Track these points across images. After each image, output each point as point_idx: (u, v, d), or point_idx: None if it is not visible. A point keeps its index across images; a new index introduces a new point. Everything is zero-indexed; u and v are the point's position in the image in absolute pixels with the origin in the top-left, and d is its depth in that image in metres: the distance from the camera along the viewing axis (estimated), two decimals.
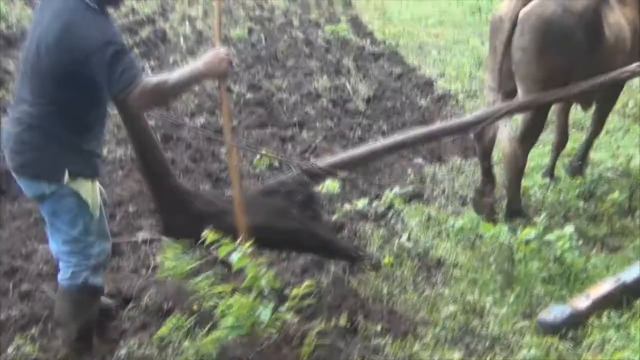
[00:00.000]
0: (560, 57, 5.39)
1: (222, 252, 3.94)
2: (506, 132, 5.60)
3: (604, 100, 6.63)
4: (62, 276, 3.97)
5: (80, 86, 3.66)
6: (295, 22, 15.64)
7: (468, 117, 5.84)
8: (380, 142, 5.58)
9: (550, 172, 7.13)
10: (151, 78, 3.73)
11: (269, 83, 10.54)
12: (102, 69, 3.54)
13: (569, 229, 5.06)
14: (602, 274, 5.15)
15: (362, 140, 8.26)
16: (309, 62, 11.93)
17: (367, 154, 5.34)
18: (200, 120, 8.55)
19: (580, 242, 5.37)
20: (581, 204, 6.50)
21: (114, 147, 7.48)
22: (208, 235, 3.89)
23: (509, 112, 5.57)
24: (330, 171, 5.02)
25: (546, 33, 5.31)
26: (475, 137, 6.12)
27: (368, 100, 9.87)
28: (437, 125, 6.05)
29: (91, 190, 3.88)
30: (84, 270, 3.93)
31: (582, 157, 7.06)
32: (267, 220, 4.51)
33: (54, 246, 4.02)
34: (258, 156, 7.07)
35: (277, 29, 14.73)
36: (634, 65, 5.50)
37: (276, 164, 7.08)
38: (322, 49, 12.92)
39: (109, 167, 7.01)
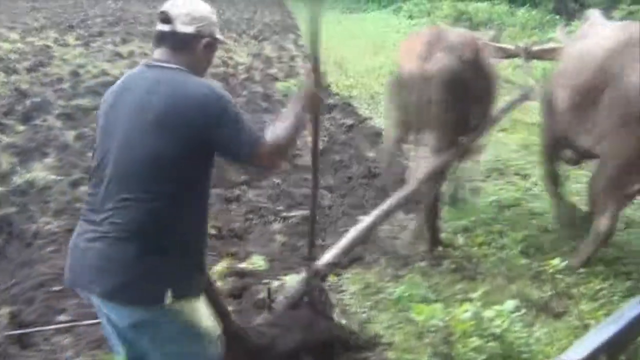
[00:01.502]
0: (464, 104, 5.32)
1: None
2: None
3: None
4: None
5: (193, 169, 2.85)
6: (257, 77, 14.80)
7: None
8: (363, 224, 5.16)
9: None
10: (266, 134, 2.97)
11: None
12: (226, 136, 2.81)
13: (509, 304, 4.18)
14: (546, 351, 4.28)
15: (307, 198, 7.38)
16: (265, 116, 11.05)
17: (356, 240, 5.05)
18: None
19: (523, 311, 4.56)
20: (524, 261, 5.65)
21: (49, 219, 6.53)
22: None
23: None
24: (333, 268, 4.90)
25: (450, 85, 5.14)
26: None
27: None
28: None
29: (202, 311, 2.98)
30: None
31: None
32: (305, 336, 4.04)
33: None
34: None
35: (238, 84, 13.87)
36: None
37: (212, 231, 6.16)
38: (279, 103, 12.06)
39: (39, 242, 6.08)
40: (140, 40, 20.08)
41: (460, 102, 5.23)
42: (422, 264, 5.73)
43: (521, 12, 21.55)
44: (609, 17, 15.98)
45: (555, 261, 5.14)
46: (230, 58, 17.17)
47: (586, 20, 6.19)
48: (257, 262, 5.38)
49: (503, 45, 6.78)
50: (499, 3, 23.97)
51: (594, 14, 6.25)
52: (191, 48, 3.01)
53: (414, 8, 28.12)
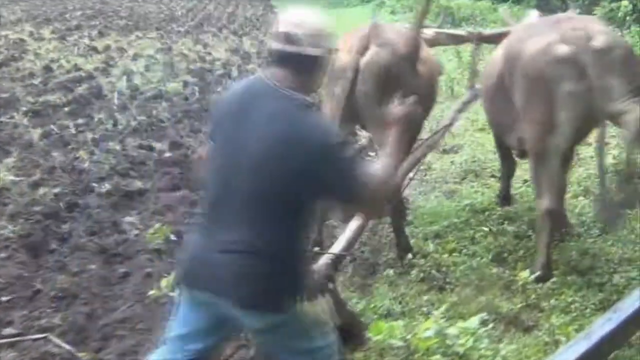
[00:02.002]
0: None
1: None
2: None
3: None
4: None
5: (314, 198, 2.97)
6: (234, 73, 14.51)
7: None
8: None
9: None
10: (374, 172, 2.96)
11: (193, 139, 9.37)
12: (337, 173, 2.84)
13: (474, 321, 3.96)
14: None
15: None
16: None
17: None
18: (106, 186, 7.32)
19: (491, 325, 4.35)
20: (495, 270, 5.43)
21: (4, 223, 6.25)
22: None
23: None
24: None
25: (381, 78, 5.14)
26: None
27: None
28: None
29: (321, 306, 3.18)
30: None
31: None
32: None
33: None
34: (151, 230, 5.89)
35: (214, 81, 13.58)
36: None
37: (173, 237, 5.89)
38: None
39: None
40: (117, 34, 19.74)
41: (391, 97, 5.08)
42: (390, 272, 5.50)
43: (504, 9, 21.30)
44: (592, 13, 15.85)
45: (526, 273, 4.95)
46: (208, 53, 16.85)
47: (524, 20, 6.47)
48: None
49: (455, 32, 6.86)
50: None
51: (532, 15, 6.59)
52: (315, 69, 2.98)
53: (396, 4, 27.86)
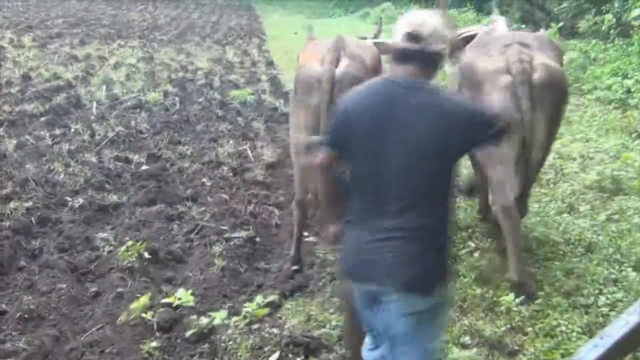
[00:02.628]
0: None
1: None
2: None
3: None
4: None
5: (454, 177, 3.22)
6: (216, 83, 14.30)
7: None
8: None
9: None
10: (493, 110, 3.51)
11: (172, 151, 9.16)
12: (482, 137, 3.23)
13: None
14: None
15: (254, 216, 6.96)
16: (219, 125, 10.59)
17: None
18: (80, 200, 7.10)
19: (474, 350, 4.19)
20: (479, 290, 5.27)
21: None
22: None
23: None
24: None
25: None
26: (297, 205, 5.69)
27: (270, 167, 8.58)
28: None
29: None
30: None
31: None
32: None
33: None
34: (124, 248, 5.68)
35: (196, 90, 13.36)
36: None
37: (147, 254, 5.70)
38: (235, 111, 11.59)
39: None
40: (99, 42, 19.47)
41: None
42: None
43: (487, 21, 21.28)
44: (576, 27, 15.81)
45: (510, 296, 4.79)
46: (191, 63, 16.63)
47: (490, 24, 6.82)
48: (183, 297, 4.89)
49: (388, 41, 6.51)
50: (466, 10, 23.76)
51: (500, 20, 6.82)
52: (437, 64, 3.23)
53: (381, 14, 27.83)
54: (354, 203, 3.27)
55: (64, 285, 5.33)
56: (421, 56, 3.15)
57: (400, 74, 3.17)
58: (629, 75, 12.13)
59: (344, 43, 5.51)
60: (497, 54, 5.39)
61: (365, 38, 6.93)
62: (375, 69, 5.54)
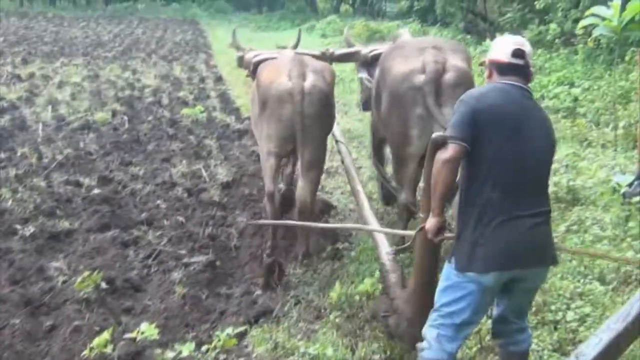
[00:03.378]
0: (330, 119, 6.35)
1: None
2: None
3: None
4: (525, 342, 4.01)
5: None
6: (165, 101, 14.05)
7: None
8: None
9: None
10: None
11: (123, 172, 8.92)
12: None
13: None
14: None
15: (212, 239, 6.77)
16: (170, 144, 10.38)
17: None
18: (31, 228, 6.82)
19: None
20: None
21: None
22: None
23: None
24: None
25: (324, 101, 6.01)
26: (269, 198, 6.06)
27: (226, 186, 8.39)
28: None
29: None
30: None
31: None
32: None
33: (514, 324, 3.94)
34: (80, 279, 5.43)
35: (144, 109, 13.10)
36: None
37: (104, 284, 5.47)
38: (186, 130, 11.37)
39: None
40: (42, 60, 19.04)
41: (328, 117, 6.20)
42: (337, 315, 5.19)
43: (433, 32, 21.46)
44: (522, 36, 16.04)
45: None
46: (138, 80, 16.35)
47: (396, 37, 7.51)
48: (147, 331, 4.68)
49: (311, 52, 7.41)
50: (411, 22, 23.92)
51: (404, 33, 7.64)
52: (531, 75, 3.83)
53: (327, 27, 27.88)
54: (488, 195, 3.56)
55: (18, 320, 5.06)
56: (524, 69, 3.75)
57: (520, 83, 3.73)
58: (575, 84, 12.31)
59: (305, 58, 6.14)
60: (413, 56, 5.86)
61: (285, 47, 7.57)
62: (332, 82, 6.24)
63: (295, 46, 7.48)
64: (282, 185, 7.17)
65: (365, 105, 7.49)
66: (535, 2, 15.86)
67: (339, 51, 7.69)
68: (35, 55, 20.05)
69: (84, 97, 13.91)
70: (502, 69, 3.73)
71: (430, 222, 3.69)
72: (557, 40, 15.05)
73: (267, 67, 6.27)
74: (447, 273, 3.69)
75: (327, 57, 7.32)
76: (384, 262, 5.00)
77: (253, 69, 6.85)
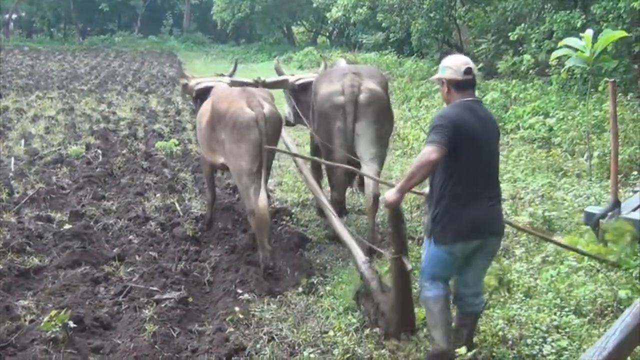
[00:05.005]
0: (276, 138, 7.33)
1: None
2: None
3: None
4: (479, 306, 4.93)
5: None
6: (140, 134, 13.95)
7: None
8: None
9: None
10: None
11: (96, 207, 8.79)
12: None
13: None
14: None
15: (185, 275, 6.66)
16: (145, 177, 10.27)
17: None
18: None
19: None
20: (422, 355, 5.08)
21: None
22: None
23: None
24: None
25: (278, 126, 7.17)
26: (251, 215, 6.76)
27: (199, 221, 8.28)
28: None
29: None
30: None
31: None
32: None
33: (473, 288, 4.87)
34: (47, 318, 5.29)
35: (119, 142, 13.00)
36: None
37: (71, 324, 5.32)
38: (160, 163, 11.27)
39: None
40: (16, 94, 18.88)
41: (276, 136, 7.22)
42: (311, 351, 5.10)
43: (409, 63, 21.59)
44: (495, 67, 16.15)
45: (462, 349, 4.61)
46: (113, 113, 16.25)
47: (333, 64, 9.07)
48: None
49: (244, 80, 8.66)
50: (387, 53, 24.06)
51: (341, 61, 9.06)
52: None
53: (304, 58, 27.99)
54: (458, 186, 4.54)
55: None
56: (473, 83, 4.73)
57: (471, 97, 4.69)
58: (550, 114, 12.39)
59: (257, 90, 7.41)
60: (336, 80, 7.16)
61: (222, 75, 8.65)
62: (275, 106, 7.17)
63: (232, 74, 8.72)
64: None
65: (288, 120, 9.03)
66: (509, 34, 16.05)
67: (270, 79, 8.88)
68: (9, 89, 19.88)
69: (58, 131, 13.78)
70: (458, 85, 4.65)
71: (394, 196, 4.63)
72: (531, 71, 15.16)
73: (223, 99, 7.12)
74: (427, 247, 4.74)
75: (260, 84, 8.43)
76: (362, 270, 5.65)
77: (195, 96, 8.26)
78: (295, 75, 8.86)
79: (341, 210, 7.38)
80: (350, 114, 6.91)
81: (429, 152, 4.41)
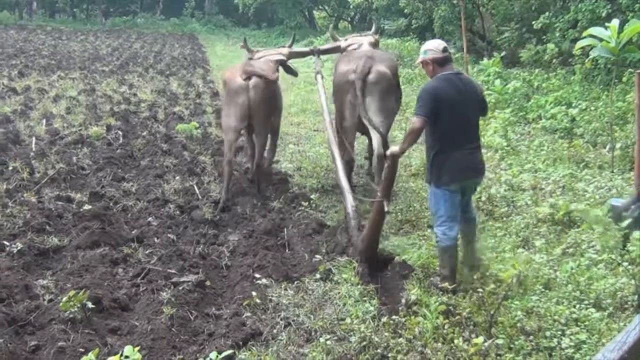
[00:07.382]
0: (272, 104, 9.02)
1: None
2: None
3: None
4: (472, 213, 6.41)
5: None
6: (161, 116, 13.97)
7: None
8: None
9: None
10: None
11: (116, 188, 8.82)
12: (485, 100, 6.45)
13: None
14: None
15: (203, 258, 6.67)
16: (164, 160, 10.28)
17: None
18: (19, 245, 6.70)
19: None
20: (439, 345, 5.02)
21: None
22: None
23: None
24: None
25: (265, 91, 8.65)
26: (227, 164, 8.49)
27: (218, 204, 8.27)
28: None
29: None
30: None
31: None
32: None
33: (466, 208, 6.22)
34: (65, 298, 5.30)
35: (139, 124, 13.02)
36: None
37: (90, 304, 5.33)
38: (180, 145, 11.28)
39: None
40: (38, 74, 18.94)
41: (271, 101, 8.77)
42: (328, 338, 5.07)
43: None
44: (518, 56, 15.98)
45: (480, 339, 4.58)
46: (134, 94, 16.27)
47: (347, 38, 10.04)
48: (130, 355, 4.55)
49: (300, 50, 11.05)
50: (409, 40, 23.88)
51: (365, 43, 9.52)
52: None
53: (325, 43, 27.64)
54: (443, 141, 5.80)
55: (1, 340, 4.92)
56: (450, 59, 5.98)
57: (451, 70, 5.96)
58: (572, 104, 12.23)
59: (254, 64, 8.86)
60: (353, 62, 8.32)
61: (283, 46, 10.09)
62: (275, 81, 8.80)
63: (291, 45, 10.16)
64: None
65: None
66: (533, 22, 15.82)
67: (324, 46, 10.74)
68: (32, 69, 19.96)
69: (79, 111, 13.81)
70: (440, 62, 5.94)
71: (397, 149, 5.82)
72: (554, 60, 14.99)
73: (231, 69, 9.15)
74: (431, 191, 6.03)
75: (315, 52, 10.12)
76: (348, 211, 7.11)
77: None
78: (348, 40, 9.82)
79: (350, 161, 8.55)
80: (359, 89, 7.92)
81: (413, 122, 5.80)
